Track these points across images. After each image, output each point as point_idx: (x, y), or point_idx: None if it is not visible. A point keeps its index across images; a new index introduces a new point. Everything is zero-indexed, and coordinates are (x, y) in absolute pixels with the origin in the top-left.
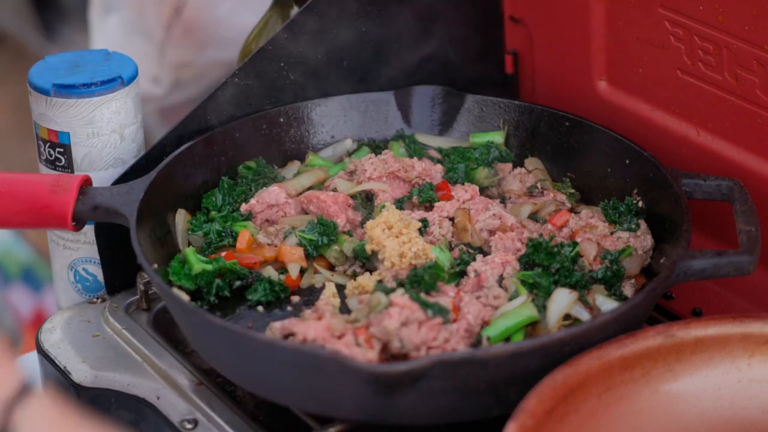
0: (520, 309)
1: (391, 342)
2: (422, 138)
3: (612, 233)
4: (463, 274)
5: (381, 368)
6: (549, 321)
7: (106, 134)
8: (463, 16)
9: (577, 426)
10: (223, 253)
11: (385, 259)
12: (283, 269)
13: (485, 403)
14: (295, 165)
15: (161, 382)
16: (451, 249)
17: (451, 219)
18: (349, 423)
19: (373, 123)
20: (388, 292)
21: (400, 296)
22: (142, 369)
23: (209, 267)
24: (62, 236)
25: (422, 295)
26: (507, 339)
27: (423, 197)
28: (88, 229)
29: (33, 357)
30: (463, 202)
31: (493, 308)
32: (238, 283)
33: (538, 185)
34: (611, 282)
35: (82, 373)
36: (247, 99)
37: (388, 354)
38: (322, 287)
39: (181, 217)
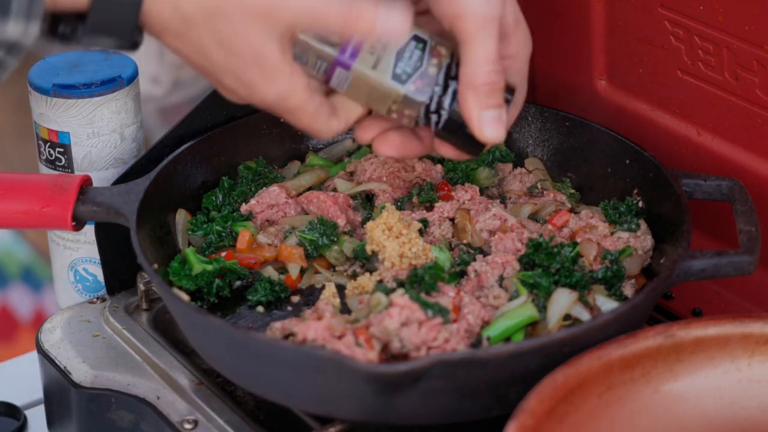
0: (520, 309)
1: (391, 342)
2: None
3: (612, 233)
4: (463, 274)
5: (381, 368)
6: (549, 321)
7: (106, 134)
8: None
9: (577, 426)
10: (223, 253)
11: (385, 259)
12: (283, 269)
13: (485, 403)
14: (295, 165)
15: (161, 382)
16: (451, 249)
17: (452, 219)
18: (349, 423)
19: None
20: (388, 292)
21: (400, 296)
22: (142, 369)
23: (209, 267)
24: (62, 236)
25: (422, 296)
26: (507, 339)
27: (423, 197)
28: (88, 229)
29: (33, 357)
30: (464, 203)
31: (494, 308)
32: (238, 283)
33: (538, 185)
34: (611, 282)
35: (82, 373)
36: None
37: (388, 354)
38: (322, 287)
39: (182, 217)
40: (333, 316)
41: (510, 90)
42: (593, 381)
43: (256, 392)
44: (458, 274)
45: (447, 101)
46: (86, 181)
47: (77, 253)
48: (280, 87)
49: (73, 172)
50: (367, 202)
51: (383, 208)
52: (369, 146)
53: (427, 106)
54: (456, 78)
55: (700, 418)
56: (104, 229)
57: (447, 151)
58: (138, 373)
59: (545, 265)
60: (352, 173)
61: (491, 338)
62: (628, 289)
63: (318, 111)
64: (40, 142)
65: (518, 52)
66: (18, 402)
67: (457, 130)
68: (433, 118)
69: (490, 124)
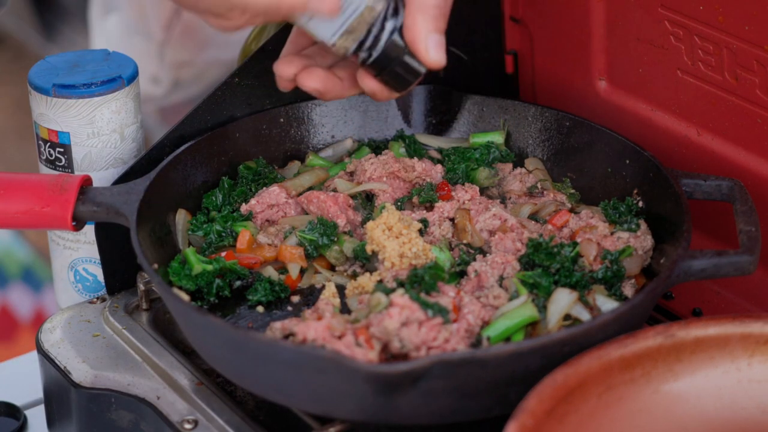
0: (520, 309)
1: (391, 342)
2: (422, 138)
3: (612, 233)
4: (463, 274)
5: (381, 368)
6: (549, 321)
7: (106, 134)
8: (463, 16)
9: (577, 426)
10: (224, 253)
11: (385, 259)
12: (283, 269)
13: (485, 403)
14: (295, 165)
15: (161, 382)
16: (451, 249)
17: (452, 219)
18: (349, 423)
19: (373, 123)
20: (388, 292)
21: (400, 296)
22: (142, 369)
23: (209, 267)
24: (62, 236)
25: (422, 295)
26: (507, 339)
27: (423, 197)
28: (88, 229)
29: (33, 357)
30: (464, 203)
31: (494, 308)
32: (238, 283)
33: (539, 185)
34: (611, 282)
35: (82, 373)
36: (247, 99)
37: (388, 354)
38: (322, 287)
39: (182, 217)
40: (333, 316)
41: None
42: (593, 381)
43: (256, 392)
44: (458, 274)
45: (384, 34)
46: (86, 181)
47: (77, 253)
48: None
49: (73, 172)
50: (367, 202)
51: (383, 208)
52: (369, 146)
53: (365, 39)
54: (394, 16)
55: (700, 418)
56: (104, 229)
57: (372, 85)
58: (138, 373)
59: (545, 265)
60: (352, 173)
61: (491, 338)
62: (628, 289)
63: None
64: (40, 142)
65: None
66: (18, 402)
67: (391, 61)
68: (368, 51)
69: (436, 47)
